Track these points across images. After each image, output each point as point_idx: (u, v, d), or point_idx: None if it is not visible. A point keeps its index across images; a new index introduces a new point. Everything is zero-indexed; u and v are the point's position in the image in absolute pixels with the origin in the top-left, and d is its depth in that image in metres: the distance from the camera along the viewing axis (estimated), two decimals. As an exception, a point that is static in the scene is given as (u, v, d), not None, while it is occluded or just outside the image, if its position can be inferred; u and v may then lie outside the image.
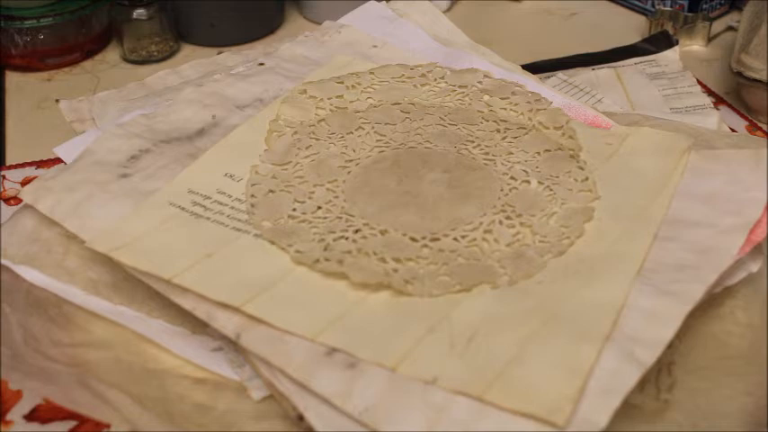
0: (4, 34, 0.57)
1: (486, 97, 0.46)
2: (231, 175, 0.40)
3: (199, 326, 0.34)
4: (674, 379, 0.32)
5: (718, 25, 0.63)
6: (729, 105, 0.53)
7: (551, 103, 0.45)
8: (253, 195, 0.38)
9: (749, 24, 0.51)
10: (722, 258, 0.34)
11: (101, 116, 0.48)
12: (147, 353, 0.34)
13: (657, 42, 0.58)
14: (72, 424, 0.31)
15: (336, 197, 0.38)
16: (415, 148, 0.42)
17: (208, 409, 0.32)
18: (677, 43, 0.58)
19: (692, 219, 0.37)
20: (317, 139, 0.42)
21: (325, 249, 0.35)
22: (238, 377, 0.33)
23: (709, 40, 0.62)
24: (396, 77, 0.47)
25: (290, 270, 0.35)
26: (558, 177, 0.40)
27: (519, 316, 0.32)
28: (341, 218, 0.37)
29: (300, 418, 0.30)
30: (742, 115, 0.52)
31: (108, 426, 0.31)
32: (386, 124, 0.44)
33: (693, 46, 0.61)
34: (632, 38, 0.61)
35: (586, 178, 0.39)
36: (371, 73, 0.47)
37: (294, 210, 0.38)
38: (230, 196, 0.39)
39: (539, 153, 0.41)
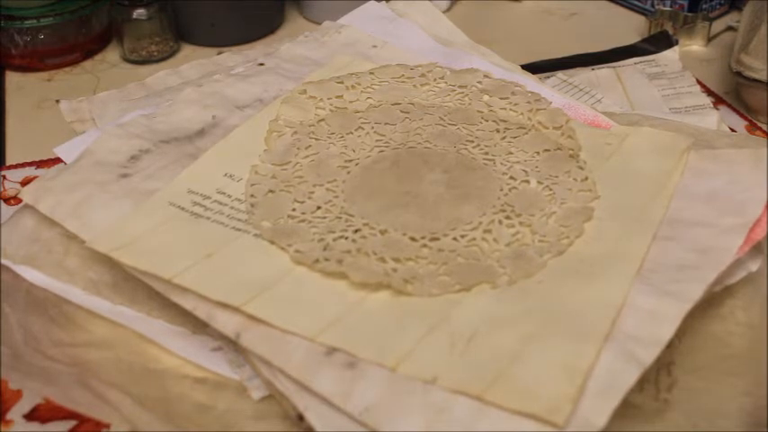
0: (4, 34, 0.57)
1: (485, 97, 0.46)
2: (231, 175, 0.40)
3: (199, 326, 0.34)
4: (674, 379, 0.32)
5: (717, 25, 0.63)
6: (729, 105, 0.53)
7: (551, 103, 0.45)
8: (252, 195, 0.39)
9: (749, 24, 0.51)
10: (722, 258, 0.34)
11: (101, 116, 0.48)
12: (147, 353, 0.34)
13: (657, 42, 0.58)
14: (72, 424, 0.31)
15: (336, 197, 0.39)
16: (415, 148, 0.42)
17: (208, 409, 0.32)
18: (677, 43, 0.58)
19: (692, 218, 0.37)
20: (317, 139, 0.42)
21: (325, 249, 0.35)
22: (238, 377, 0.33)
23: (709, 40, 0.62)
24: (396, 77, 0.47)
25: (289, 270, 0.35)
26: (557, 177, 0.40)
27: (518, 316, 0.32)
28: (340, 218, 0.37)
29: (300, 418, 0.30)
30: (742, 115, 0.52)
31: (108, 426, 0.31)
32: (386, 124, 0.44)
33: (693, 46, 0.61)
34: (632, 38, 0.61)
35: (586, 178, 0.39)
36: (371, 73, 0.47)
37: (294, 210, 0.38)
38: (230, 196, 0.39)
39: (538, 153, 0.41)
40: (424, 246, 0.36)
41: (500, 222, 0.37)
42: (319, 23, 0.57)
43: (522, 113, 0.44)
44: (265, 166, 0.40)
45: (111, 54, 0.61)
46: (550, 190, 0.39)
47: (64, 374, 0.33)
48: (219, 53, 0.57)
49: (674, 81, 0.53)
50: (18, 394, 0.32)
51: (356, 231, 0.36)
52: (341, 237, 0.36)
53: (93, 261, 0.37)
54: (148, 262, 0.34)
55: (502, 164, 0.41)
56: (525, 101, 0.45)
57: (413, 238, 0.36)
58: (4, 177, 0.47)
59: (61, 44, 0.59)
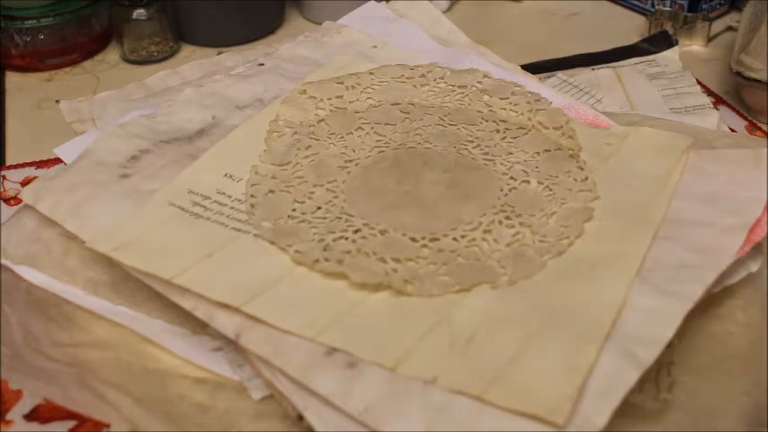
0: (4, 34, 0.57)
1: (485, 97, 0.46)
2: (231, 176, 0.40)
3: (199, 326, 0.34)
4: (674, 379, 0.32)
5: (717, 25, 0.63)
6: (729, 105, 0.53)
7: (551, 103, 0.45)
8: (252, 195, 0.38)
9: (749, 24, 0.51)
10: (722, 258, 0.34)
11: (101, 116, 0.48)
12: (147, 353, 0.34)
13: (657, 42, 0.58)
14: (72, 424, 0.31)
15: (336, 197, 0.39)
16: (415, 149, 0.42)
17: (208, 409, 0.32)
18: (677, 43, 0.58)
19: (692, 218, 0.37)
20: (317, 140, 0.42)
21: (325, 249, 0.35)
22: (238, 377, 0.33)
23: (709, 40, 0.62)
24: (395, 78, 0.47)
25: (289, 270, 0.35)
26: (557, 177, 0.40)
27: (518, 316, 0.32)
28: (340, 218, 0.37)
29: (300, 418, 0.30)
30: (742, 115, 0.52)
31: (108, 426, 0.31)
32: (385, 124, 0.44)
33: (693, 46, 0.61)
34: (632, 38, 0.61)
35: (586, 178, 0.39)
36: (371, 73, 0.47)
37: (294, 210, 0.38)
38: (230, 196, 0.39)
39: (538, 153, 0.41)
40: (424, 246, 0.36)
41: (500, 222, 0.37)
42: (319, 23, 0.57)
43: (522, 114, 0.44)
44: (265, 167, 0.40)
45: (111, 54, 0.61)
46: (550, 190, 0.39)
47: (64, 374, 0.33)
48: (219, 53, 0.57)
49: (674, 81, 0.53)
50: (18, 394, 0.32)
51: (356, 232, 0.36)
52: (341, 237, 0.36)
53: (93, 261, 0.37)
54: (148, 262, 0.34)
55: (502, 164, 0.41)
56: (525, 101, 0.45)
57: (413, 239, 0.36)
58: (4, 177, 0.47)
59: (61, 44, 0.59)
